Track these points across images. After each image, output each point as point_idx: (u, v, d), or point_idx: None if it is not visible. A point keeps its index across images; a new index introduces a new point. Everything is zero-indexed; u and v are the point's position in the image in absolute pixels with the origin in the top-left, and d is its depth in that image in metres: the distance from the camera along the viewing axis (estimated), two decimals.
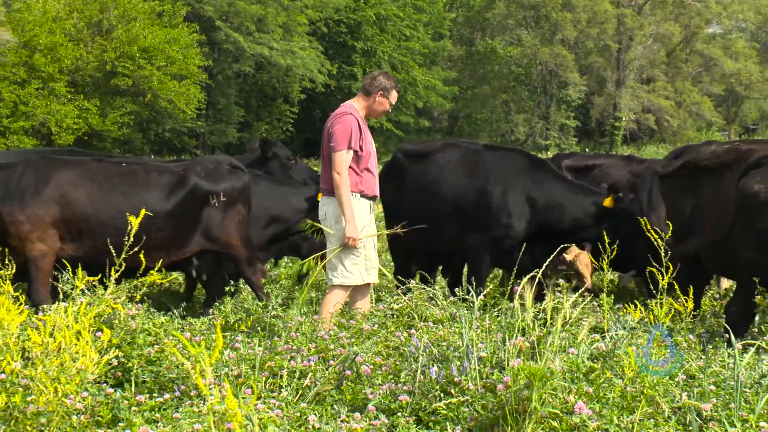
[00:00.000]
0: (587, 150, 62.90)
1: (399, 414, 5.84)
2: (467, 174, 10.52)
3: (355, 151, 8.75)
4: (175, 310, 8.94)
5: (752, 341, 7.28)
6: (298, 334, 7.61)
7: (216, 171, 10.07)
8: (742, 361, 6.15)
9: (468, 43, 75.57)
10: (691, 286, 8.41)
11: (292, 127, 56.57)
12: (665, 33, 71.80)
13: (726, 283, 11.75)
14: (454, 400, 5.80)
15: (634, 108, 69.60)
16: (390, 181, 10.78)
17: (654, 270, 8.17)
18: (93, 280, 7.35)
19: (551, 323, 6.32)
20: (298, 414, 5.76)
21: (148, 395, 6.00)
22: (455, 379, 5.96)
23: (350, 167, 8.75)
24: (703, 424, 5.71)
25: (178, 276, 12.09)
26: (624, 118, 68.98)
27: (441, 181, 10.56)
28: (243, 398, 5.41)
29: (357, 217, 8.71)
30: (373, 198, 9.02)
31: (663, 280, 8.02)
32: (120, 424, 5.59)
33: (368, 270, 8.93)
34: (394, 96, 9.15)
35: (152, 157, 40.99)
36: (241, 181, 10.18)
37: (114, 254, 7.60)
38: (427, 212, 10.40)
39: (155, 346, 6.79)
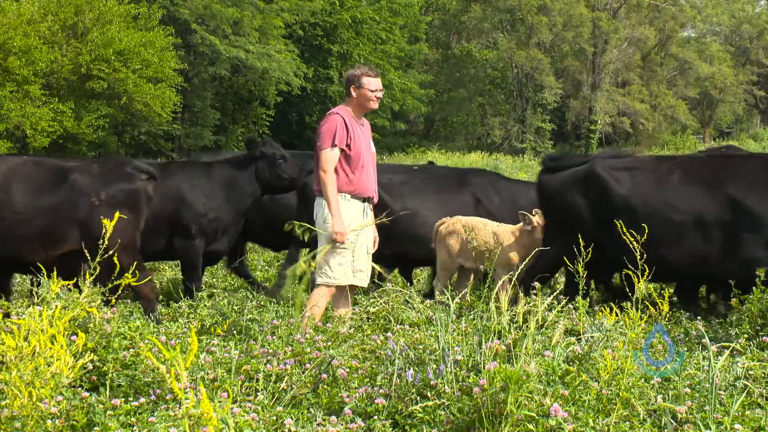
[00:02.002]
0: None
1: (375, 417, 5.83)
2: (713, 185, 10.01)
3: (344, 150, 8.77)
4: (150, 314, 8.92)
5: (727, 344, 7.33)
6: (274, 337, 7.60)
7: (109, 172, 9.94)
8: (717, 363, 6.18)
9: (444, 47, 75.65)
10: None
11: (269, 130, 56.41)
12: (640, 37, 72.10)
13: None
14: (430, 403, 5.81)
15: (610, 111, 69.84)
16: (581, 195, 10.32)
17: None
18: (69, 284, 7.34)
19: (527, 326, 6.34)
20: (274, 418, 5.75)
21: (123, 399, 5.98)
22: (431, 383, 5.97)
23: (340, 167, 8.78)
24: (679, 426, 5.73)
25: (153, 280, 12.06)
26: (599, 121, 69.18)
27: (679, 196, 10.03)
28: (218, 402, 5.40)
29: (345, 217, 8.72)
30: (367, 200, 8.98)
31: (639, 282, 8.06)
32: (95, 428, 5.56)
33: (355, 273, 8.90)
34: (368, 81, 8.97)
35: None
36: (133, 186, 9.92)
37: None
38: (659, 229, 9.77)
39: (130, 350, 6.77)
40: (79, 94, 40.89)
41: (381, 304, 8.74)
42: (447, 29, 76.60)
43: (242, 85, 54.15)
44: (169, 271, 13.13)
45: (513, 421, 5.42)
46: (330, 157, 8.70)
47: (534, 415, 5.44)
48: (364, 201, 8.94)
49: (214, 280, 12.55)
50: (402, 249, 11.37)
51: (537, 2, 68.77)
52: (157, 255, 11.52)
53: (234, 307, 9.50)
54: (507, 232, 10.50)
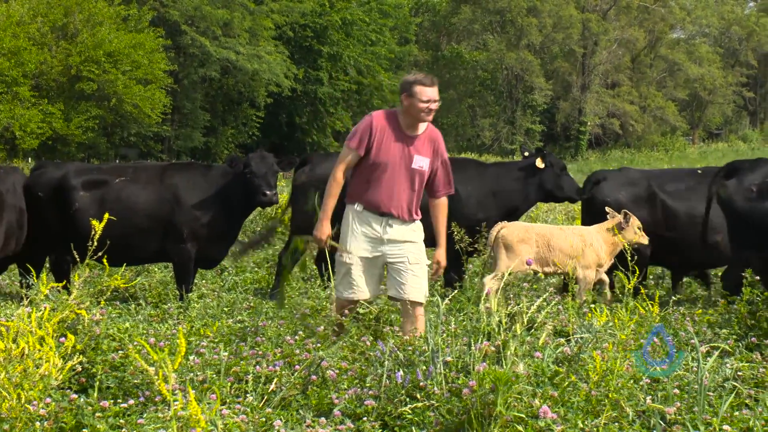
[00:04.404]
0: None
1: (365, 419, 5.83)
2: None
3: (364, 158, 8.02)
4: (139, 315, 8.91)
5: (716, 345, 7.34)
6: (263, 338, 7.60)
7: None
8: (705, 364, 6.19)
9: (434, 48, 75.72)
10: None
11: (258, 132, 56.46)
12: (630, 38, 72.35)
13: None
14: (419, 404, 5.81)
15: (599, 113, 70.06)
16: None
17: None
18: (58, 286, 7.34)
19: (516, 327, 6.34)
20: (264, 419, 5.74)
21: (112, 401, 5.96)
22: (421, 384, 5.97)
23: (359, 172, 8.10)
24: (667, 427, 5.74)
25: (143, 281, 12.05)
26: (589, 123, 69.40)
27: None
28: (207, 404, 5.39)
29: (349, 229, 8.07)
30: (386, 215, 8.03)
31: (629, 283, 8.10)
32: (84, 430, 5.55)
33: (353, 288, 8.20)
34: (419, 90, 7.94)
35: (117, 161, 40.91)
36: None
37: None
38: None
39: (119, 351, 6.76)
40: (69, 96, 40.88)
41: (370, 306, 8.71)
42: (437, 31, 76.71)
43: (232, 86, 54.13)
44: (158, 273, 13.11)
45: (502, 423, 5.43)
46: (343, 156, 8.11)
47: (523, 416, 5.44)
48: (382, 215, 8.04)
49: (204, 281, 12.52)
50: (688, 255, 11.39)
51: (527, 4, 69.00)
52: (153, 257, 11.49)
53: (224, 309, 9.49)
54: (593, 232, 10.54)
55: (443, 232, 8.38)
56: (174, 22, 48.69)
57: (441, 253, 8.28)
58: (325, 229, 8.09)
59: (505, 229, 10.51)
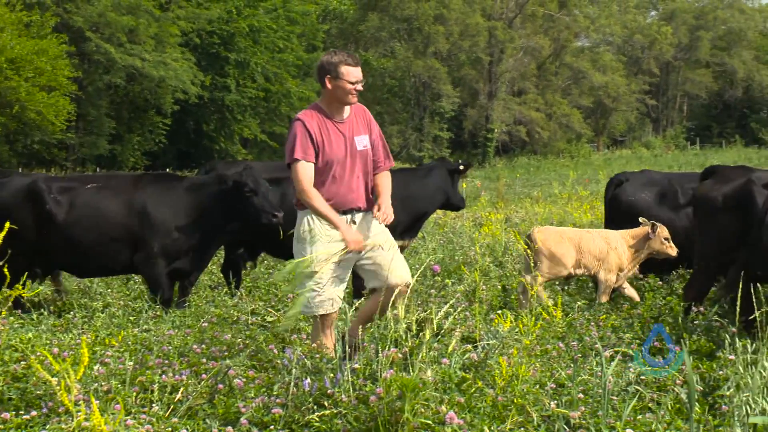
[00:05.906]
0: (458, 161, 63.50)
1: (272, 427, 5.82)
2: None
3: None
4: (43, 325, 8.78)
5: (619, 349, 7.44)
6: (170, 347, 7.53)
7: None
8: (609, 368, 6.27)
9: None
10: None
11: (165, 139, 55.99)
12: (535, 46, 73.21)
13: None
14: (327, 412, 5.80)
15: (506, 120, 70.77)
16: None
17: None
18: None
19: (424, 334, 6.37)
20: (170, 429, 5.70)
21: (14, 413, 5.87)
22: (328, 392, 5.97)
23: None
24: (572, 431, 5.81)
25: (45, 289, 11.88)
26: (496, 130, 70.01)
27: None
28: (112, 414, 5.33)
29: (323, 235, 7.43)
30: (350, 211, 7.55)
31: (533, 289, 8.17)
32: None
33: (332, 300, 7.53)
34: (346, 70, 7.45)
35: (20, 170, 40.29)
36: None
37: None
38: None
39: (22, 362, 6.65)
40: None
41: (277, 314, 8.68)
42: (345, 38, 76.79)
43: (138, 93, 53.58)
44: (63, 282, 12.91)
45: (409, 429, 5.45)
46: (299, 171, 7.39)
47: (430, 422, 5.47)
48: (344, 213, 7.50)
49: (110, 290, 12.36)
50: None
51: (434, 11, 69.36)
52: (123, 269, 11.03)
53: (130, 318, 9.39)
54: (618, 236, 10.61)
55: (389, 190, 7.77)
56: (78, 28, 48.05)
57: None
58: (352, 232, 7.47)
59: (541, 233, 10.56)
